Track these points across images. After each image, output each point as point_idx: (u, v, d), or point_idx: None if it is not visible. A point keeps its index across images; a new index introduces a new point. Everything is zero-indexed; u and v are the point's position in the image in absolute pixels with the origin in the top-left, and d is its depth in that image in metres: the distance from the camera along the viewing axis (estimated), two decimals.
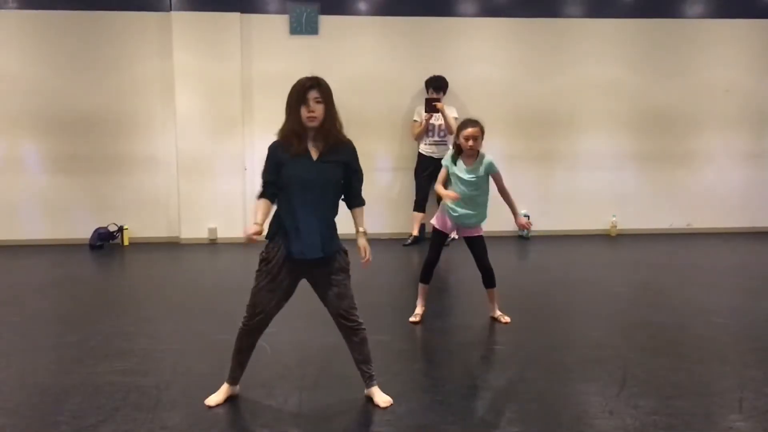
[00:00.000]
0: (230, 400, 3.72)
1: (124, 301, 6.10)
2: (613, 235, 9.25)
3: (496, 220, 9.13)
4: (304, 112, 3.45)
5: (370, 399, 3.69)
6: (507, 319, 5.21)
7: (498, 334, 4.95)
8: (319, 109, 3.46)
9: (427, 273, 5.27)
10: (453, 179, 5.06)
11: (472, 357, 4.58)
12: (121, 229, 8.73)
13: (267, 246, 3.57)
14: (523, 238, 9.05)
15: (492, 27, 9.02)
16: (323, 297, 3.64)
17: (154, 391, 3.76)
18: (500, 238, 9.00)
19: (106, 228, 8.67)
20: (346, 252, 3.66)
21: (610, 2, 9.20)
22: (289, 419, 3.51)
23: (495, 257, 7.92)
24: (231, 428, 3.43)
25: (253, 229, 3.41)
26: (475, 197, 5.01)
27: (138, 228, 8.83)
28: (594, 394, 3.78)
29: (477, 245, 5.14)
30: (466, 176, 4.99)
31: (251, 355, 3.73)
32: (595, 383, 3.95)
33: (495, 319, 5.23)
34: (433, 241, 5.26)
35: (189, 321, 5.26)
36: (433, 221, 5.26)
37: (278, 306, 3.60)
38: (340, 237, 3.63)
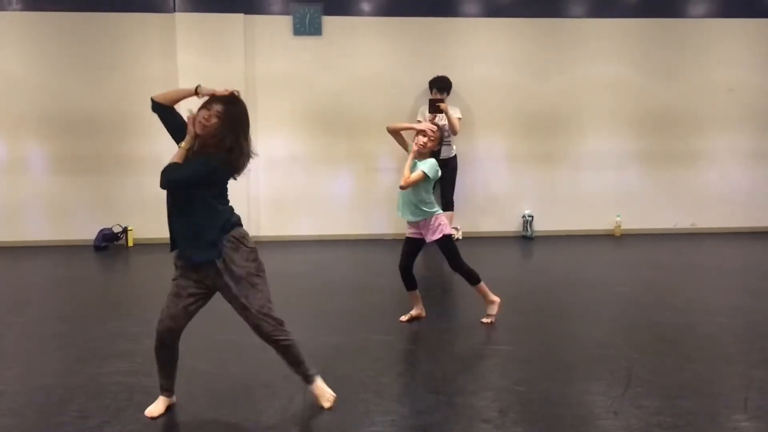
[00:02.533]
0: (233, 400, 3.72)
1: (128, 301, 6.12)
2: (617, 235, 9.24)
3: (500, 221, 9.22)
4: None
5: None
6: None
7: (502, 334, 4.95)
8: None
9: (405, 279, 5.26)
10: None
11: (475, 357, 4.57)
12: (125, 230, 8.75)
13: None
14: (527, 238, 9.05)
15: (495, 27, 9.02)
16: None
17: (159, 392, 3.76)
18: (504, 239, 9.01)
19: (110, 229, 8.68)
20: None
21: (613, 2, 9.19)
22: (293, 419, 3.51)
23: (499, 257, 8.00)
24: (236, 428, 3.43)
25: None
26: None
27: (142, 229, 8.83)
28: (598, 394, 3.77)
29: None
30: None
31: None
32: (599, 383, 3.94)
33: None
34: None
35: (192, 321, 5.24)
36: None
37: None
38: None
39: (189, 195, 3.37)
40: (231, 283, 3.42)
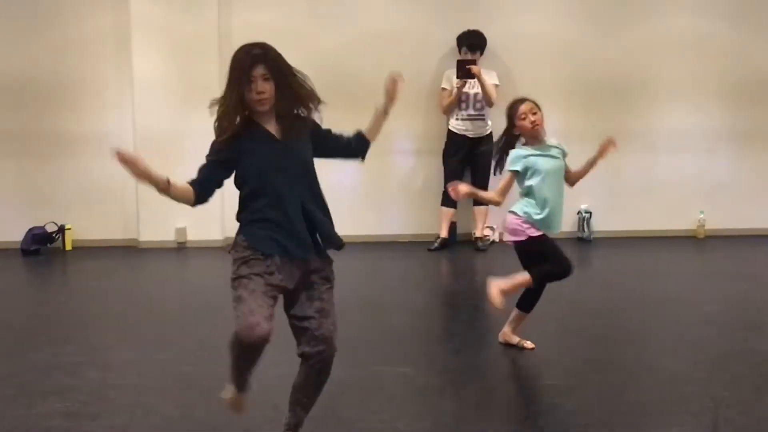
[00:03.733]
0: None
1: (66, 322, 6.14)
2: (700, 236, 9.22)
3: None
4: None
5: None
6: (530, 344, 5.19)
7: (551, 367, 4.94)
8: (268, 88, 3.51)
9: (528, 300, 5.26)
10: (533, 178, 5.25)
11: (517, 396, 4.57)
12: (62, 230, 8.77)
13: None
14: (583, 240, 9.03)
15: None
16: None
17: None
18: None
19: (42, 228, 8.71)
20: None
21: None
22: None
23: None
24: None
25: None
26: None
27: (84, 228, 8.86)
28: None
29: None
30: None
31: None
32: (677, 430, 3.94)
33: (514, 345, 5.21)
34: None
35: (150, 348, 5.28)
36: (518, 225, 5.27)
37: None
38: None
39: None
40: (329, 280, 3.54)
